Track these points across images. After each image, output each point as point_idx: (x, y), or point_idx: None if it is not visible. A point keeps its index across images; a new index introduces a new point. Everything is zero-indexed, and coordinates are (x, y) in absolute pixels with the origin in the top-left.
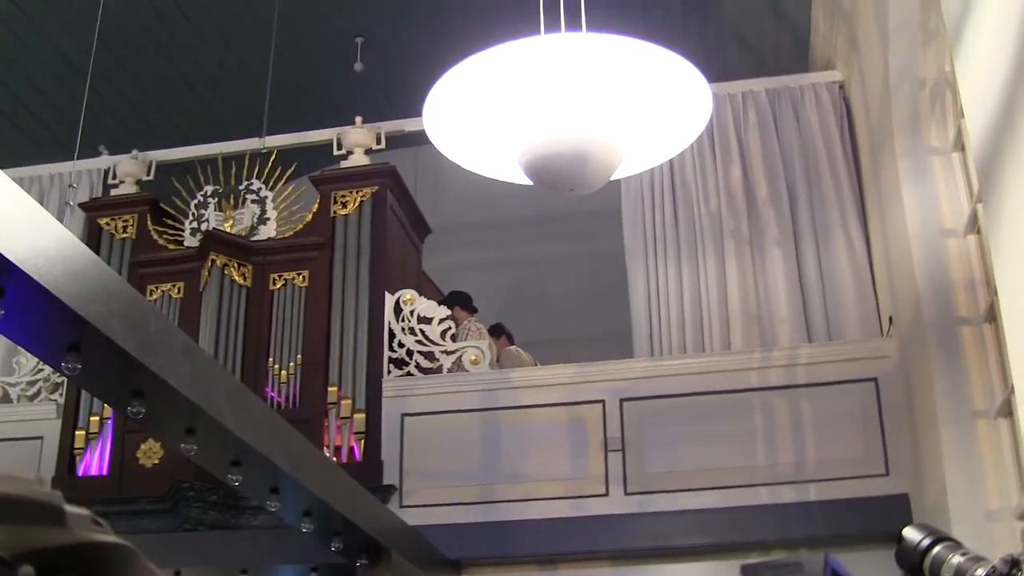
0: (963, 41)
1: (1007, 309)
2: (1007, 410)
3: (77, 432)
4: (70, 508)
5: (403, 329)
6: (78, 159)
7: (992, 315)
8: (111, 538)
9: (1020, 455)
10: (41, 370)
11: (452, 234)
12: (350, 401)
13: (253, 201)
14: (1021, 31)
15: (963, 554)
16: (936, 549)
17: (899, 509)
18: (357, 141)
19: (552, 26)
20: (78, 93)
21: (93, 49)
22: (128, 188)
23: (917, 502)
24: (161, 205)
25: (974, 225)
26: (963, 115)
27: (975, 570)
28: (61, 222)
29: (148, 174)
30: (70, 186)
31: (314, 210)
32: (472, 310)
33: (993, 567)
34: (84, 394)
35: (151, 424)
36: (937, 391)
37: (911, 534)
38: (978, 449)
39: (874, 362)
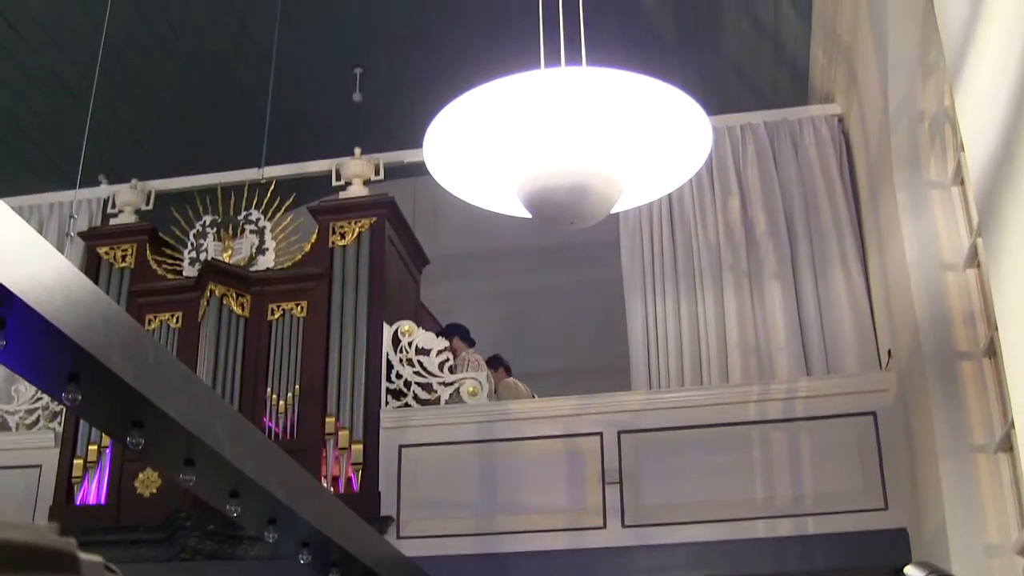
0: (963, 75)
1: (1007, 343)
2: (1007, 445)
3: (75, 461)
4: (84, 556)
5: (401, 360)
6: (79, 188)
7: (992, 349)
8: None
9: (1020, 490)
10: (40, 399)
11: (450, 265)
12: (348, 432)
13: (252, 231)
14: (1021, 65)
15: None
16: None
17: (898, 543)
18: (356, 172)
19: (552, 59)
20: (78, 121)
21: (95, 78)
22: (127, 217)
23: (916, 536)
24: (160, 235)
25: (974, 259)
26: (963, 149)
27: None
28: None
29: (147, 203)
30: (71, 216)
31: (312, 241)
32: (470, 342)
33: None
34: (82, 423)
35: (150, 455)
36: (936, 425)
37: (913, 572)
38: (977, 484)
39: (873, 396)
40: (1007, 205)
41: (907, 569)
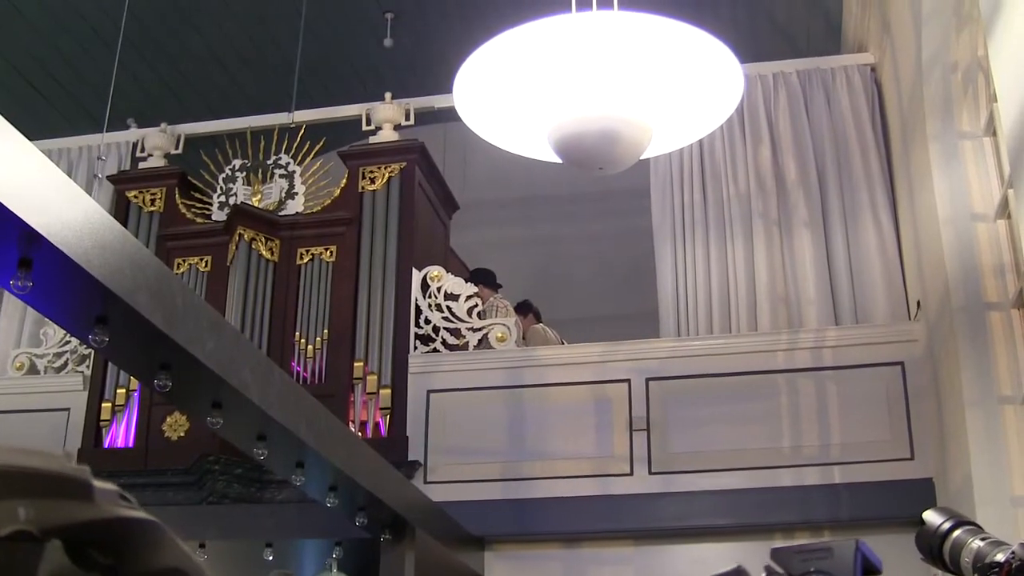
0: (997, 26)
1: None
2: None
3: (103, 404)
4: (98, 483)
5: (430, 305)
6: (107, 132)
7: (1021, 301)
8: (139, 514)
9: None
10: (68, 342)
11: (480, 211)
12: (376, 377)
13: (281, 176)
14: None
15: (983, 538)
16: (956, 533)
17: (924, 493)
18: (386, 117)
19: (583, 4)
20: (107, 66)
21: (123, 22)
22: (156, 161)
23: (942, 486)
24: (189, 179)
25: (1004, 210)
26: (996, 99)
27: (995, 555)
28: (89, 194)
29: (177, 148)
30: (98, 158)
31: (342, 185)
32: (495, 287)
33: (1013, 552)
34: (111, 366)
35: (177, 397)
36: (964, 376)
37: (932, 517)
38: (1004, 435)
39: (901, 346)
40: None
41: (926, 514)
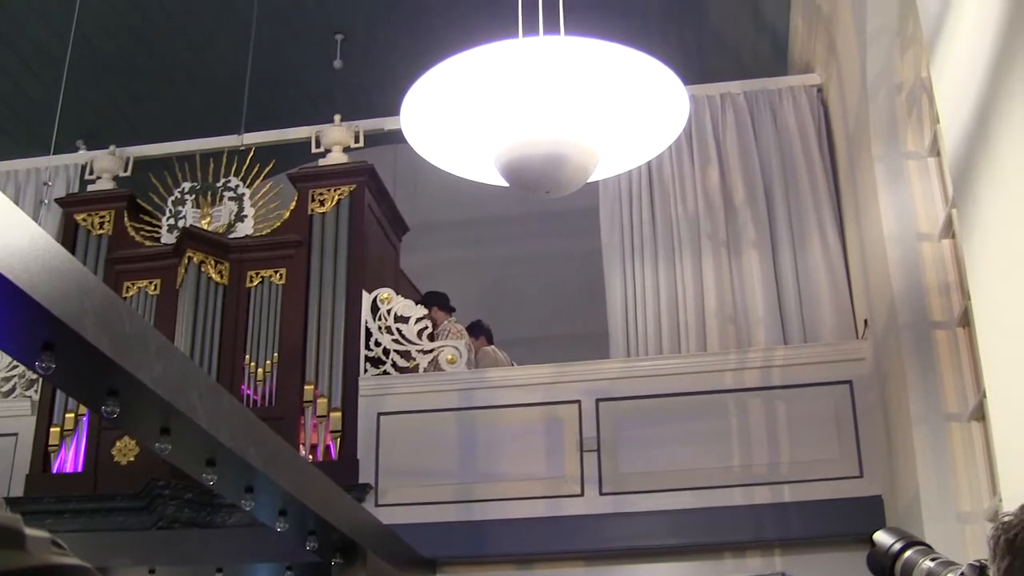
0: (939, 47)
1: (980, 313)
2: (979, 414)
3: (52, 429)
4: (30, 531)
5: (380, 328)
6: (55, 154)
7: (966, 319)
8: (71, 560)
9: (992, 458)
10: (16, 366)
11: (430, 233)
12: (326, 399)
13: (231, 198)
14: (996, 38)
15: (933, 559)
16: (907, 554)
17: (873, 511)
18: (335, 139)
19: (531, 28)
20: (55, 87)
21: (70, 42)
22: (105, 184)
23: (891, 504)
24: (138, 201)
25: (949, 229)
26: (939, 120)
27: (945, 575)
28: (37, 218)
29: (125, 170)
30: (45, 184)
31: (292, 208)
32: (450, 310)
33: (962, 573)
34: (59, 391)
35: (125, 423)
36: (911, 394)
37: (882, 538)
38: (951, 452)
39: (849, 364)
40: (981, 176)
41: (876, 535)
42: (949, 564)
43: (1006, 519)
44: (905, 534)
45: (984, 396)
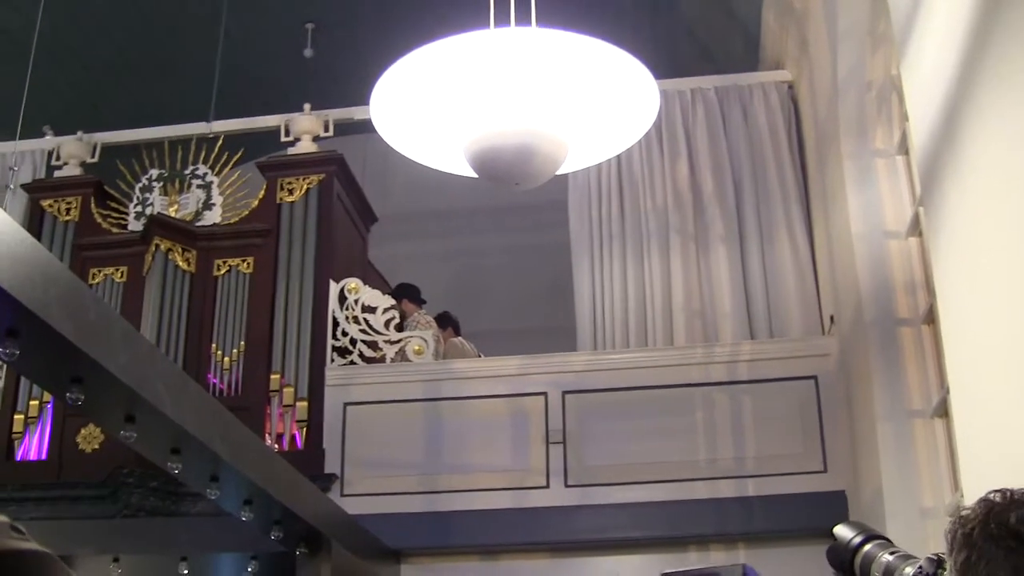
0: (910, 46)
1: (945, 311)
2: (943, 410)
3: (16, 416)
4: None
5: (347, 318)
6: (21, 139)
7: (931, 317)
8: (31, 545)
9: (954, 455)
10: None
11: (399, 223)
12: (292, 389)
13: (199, 186)
14: (966, 38)
15: (892, 552)
16: (867, 547)
17: (836, 506)
18: (305, 128)
19: (502, 19)
20: (21, 72)
21: (37, 27)
22: (72, 170)
23: (854, 499)
24: (105, 188)
25: (916, 228)
26: (908, 118)
27: (904, 568)
28: (2, 203)
29: (93, 156)
30: (10, 168)
31: (260, 196)
32: (420, 302)
33: (920, 567)
34: (24, 378)
35: (90, 411)
36: (875, 390)
37: (842, 532)
38: (914, 448)
39: (815, 360)
40: (948, 175)
41: (837, 528)
42: (908, 558)
43: (964, 513)
44: (865, 528)
45: (948, 393)
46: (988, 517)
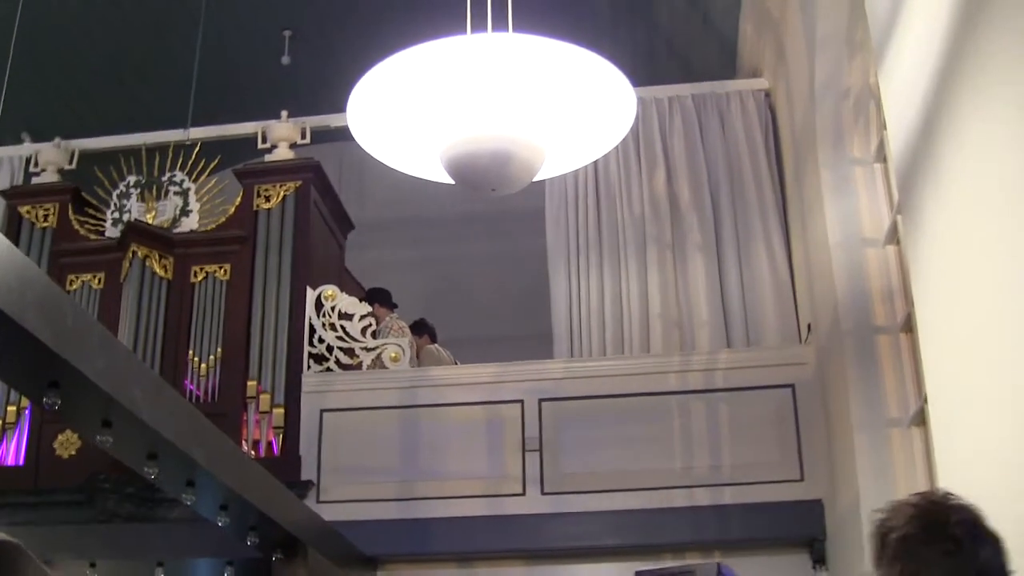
0: (888, 54)
1: (923, 319)
2: (920, 419)
3: None
4: None
5: (324, 325)
6: None
7: (909, 325)
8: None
9: (931, 463)
10: None
11: (376, 231)
12: (269, 396)
13: (176, 193)
14: (944, 46)
15: None
16: None
17: (813, 514)
18: (282, 135)
19: (479, 25)
20: None
21: (14, 32)
22: (50, 176)
23: (831, 508)
24: (83, 195)
25: (894, 236)
26: (886, 127)
27: None
28: None
29: (71, 163)
30: None
31: (237, 203)
32: (391, 306)
33: None
34: (1, 383)
35: (67, 416)
36: (852, 399)
37: None
38: (891, 457)
39: (792, 369)
40: (926, 183)
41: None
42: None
43: (884, 517)
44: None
45: (925, 402)
46: (922, 521)
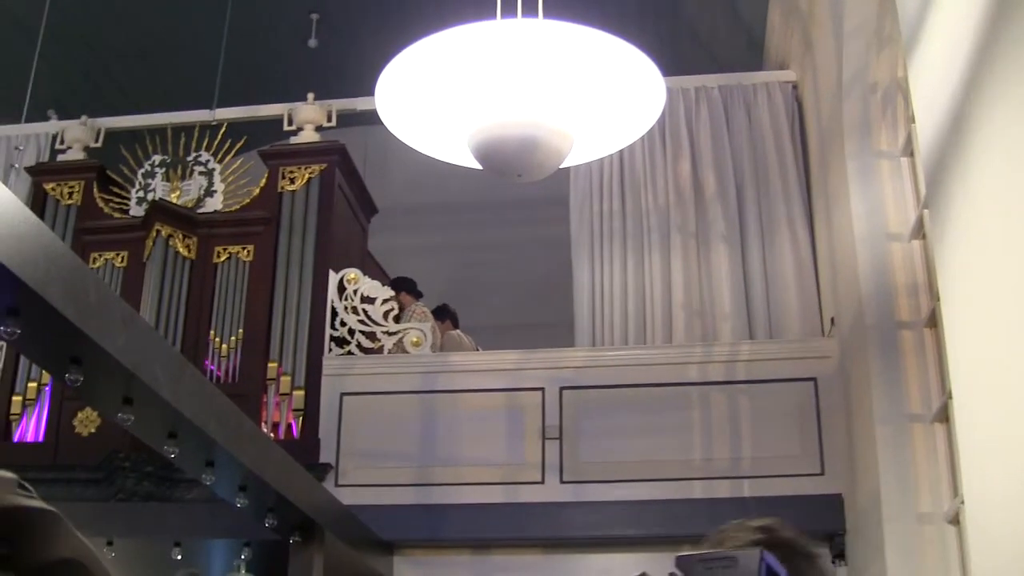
0: (917, 47)
1: (948, 315)
2: (943, 415)
3: (14, 398)
4: None
5: (346, 308)
6: (26, 122)
7: (933, 321)
8: (37, 503)
9: (954, 460)
10: None
11: (399, 216)
12: (289, 378)
13: (201, 173)
14: (975, 40)
15: None
16: None
17: (833, 509)
18: (308, 118)
19: (508, 10)
20: (28, 56)
21: (45, 11)
22: (76, 154)
23: (850, 502)
24: (108, 173)
25: (920, 230)
26: (914, 120)
27: None
28: (5, 183)
29: (96, 141)
30: (16, 148)
31: (261, 185)
32: (417, 295)
33: None
34: (22, 360)
35: (88, 392)
36: (875, 393)
37: None
38: (912, 453)
39: (814, 362)
40: (954, 178)
41: None
42: None
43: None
44: None
45: (949, 398)
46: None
